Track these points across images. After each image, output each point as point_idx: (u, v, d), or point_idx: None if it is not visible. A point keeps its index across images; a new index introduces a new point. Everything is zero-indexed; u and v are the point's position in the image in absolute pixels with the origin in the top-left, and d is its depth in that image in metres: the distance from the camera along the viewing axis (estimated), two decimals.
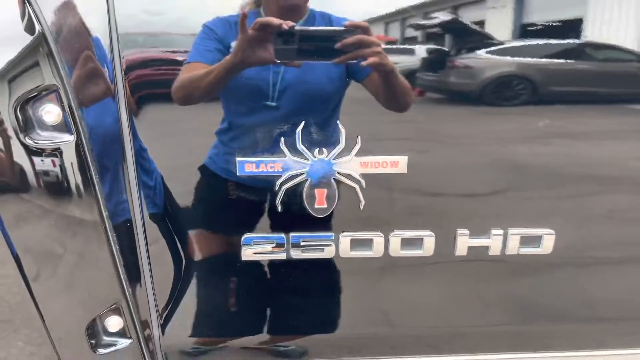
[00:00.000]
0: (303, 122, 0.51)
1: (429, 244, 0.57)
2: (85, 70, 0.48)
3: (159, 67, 0.51)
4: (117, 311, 0.55)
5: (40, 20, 0.47)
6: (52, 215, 0.51)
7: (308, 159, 0.52)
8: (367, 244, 0.57)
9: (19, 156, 0.49)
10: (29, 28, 0.48)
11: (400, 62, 0.52)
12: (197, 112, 0.52)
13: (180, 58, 0.50)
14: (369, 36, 0.50)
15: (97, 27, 0.48)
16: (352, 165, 0.53)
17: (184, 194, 0.55)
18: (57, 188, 0.50)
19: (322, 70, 0.53)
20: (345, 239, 0.56)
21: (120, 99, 0.49)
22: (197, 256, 0.57)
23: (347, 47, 0.50)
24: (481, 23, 0.52)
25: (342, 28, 0.50)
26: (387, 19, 0.52)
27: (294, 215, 0.54)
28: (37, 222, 0.51)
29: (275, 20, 0.49)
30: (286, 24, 0.49)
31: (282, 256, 0.56)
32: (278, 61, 0.50)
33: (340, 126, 0.52)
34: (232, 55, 0.50)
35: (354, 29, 0.50)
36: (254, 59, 0.50)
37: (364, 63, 0.50)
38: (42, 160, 0.49)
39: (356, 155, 0.53)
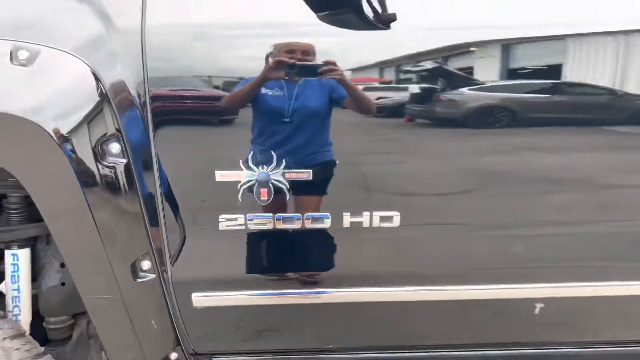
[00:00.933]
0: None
1: (328, 220, 0.99)
2: (129, 117, 0.90)
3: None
4: (147, 257, 0.97)
5: (104, 85, 0.88)
6: (114, 203, 0.92)
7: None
8: (292, 220, 0.99)
9: (97, 171, 0.91)
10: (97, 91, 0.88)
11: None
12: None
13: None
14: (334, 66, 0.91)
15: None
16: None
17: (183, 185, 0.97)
18: (116, 188, 0.92)
19: (317, 99, 0.94)
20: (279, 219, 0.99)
21: (150, 134, 0.91)
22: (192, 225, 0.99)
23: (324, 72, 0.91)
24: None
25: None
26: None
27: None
28: (107, 206, 0.93)
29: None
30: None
31: (243, 227, 0.98)
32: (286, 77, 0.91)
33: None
34: (259, 75, 0.92)
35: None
36: (272, 76, 0.91)
37: (327, 76, 0.91)
38: (109, 173, 0.91)
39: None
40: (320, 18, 0.91)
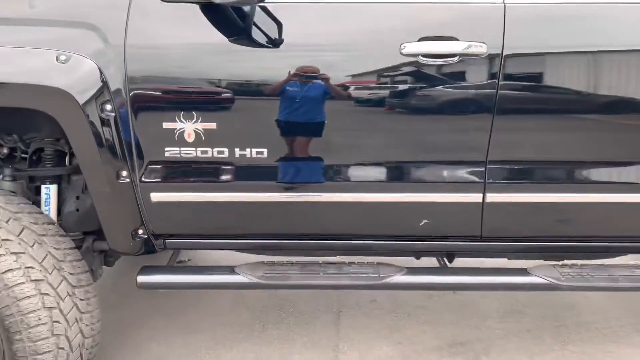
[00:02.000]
0: None
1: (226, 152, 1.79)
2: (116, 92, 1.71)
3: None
4: (124, 169, 1.77)
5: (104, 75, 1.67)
6: (106, 139, 1.73)
7: None
8: (206, 151, 1.79)
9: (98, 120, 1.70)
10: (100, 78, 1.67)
11: None
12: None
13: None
14: None
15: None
16: None
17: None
18: (108, 130, 1.72)
19: None
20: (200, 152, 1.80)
21: (128, 101, 1.70)
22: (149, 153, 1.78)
23: None
24: None
25: None
26: None
27: None
28: (103, 140, 1.72)
29: None
30: None
31: (178, 155, 1.77)
32: None
33: None
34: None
35: None
36: None
37: None
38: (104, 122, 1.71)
39: None
40: (232, 41, 1.72)
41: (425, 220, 1.90)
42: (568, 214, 1.89)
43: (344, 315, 2.88)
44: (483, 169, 1.80)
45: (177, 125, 1.73)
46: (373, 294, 3.07)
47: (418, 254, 2.13)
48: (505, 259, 2.17)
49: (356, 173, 1.85)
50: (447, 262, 2.15)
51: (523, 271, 1.98)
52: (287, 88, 1.76)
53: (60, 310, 1.76)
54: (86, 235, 2.18)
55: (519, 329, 2.77)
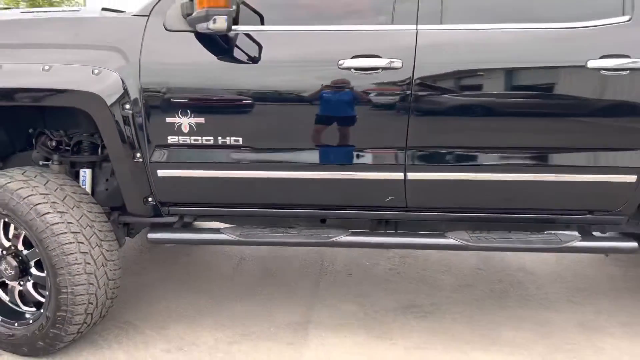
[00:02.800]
0: None
1: (211, 139, 2.43)
2: (133, 96, 2.37)
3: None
4: (138, 151, 2.42)
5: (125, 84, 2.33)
6: (126, 130, 2.39)
7: None
8: (198, 139, 2.44)
9: (120, 117, 2.37)
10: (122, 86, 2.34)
11: None
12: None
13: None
14: None
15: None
16: None
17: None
18: (127, 124, 2.38)
19: None
20: (193, 139, 2.45)
21: (141, 103, 2.36)
22: (156, 140, 2.44)
23: None
24: None
25: None
26: None
27: None
28: (124, 131, 2.39)
29: None
30: None
31: (177, 141, 2.42)
32: None
33: None
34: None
35: None
36: None
37: None
38: (124, 117, 2.38)
39: None
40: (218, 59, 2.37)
41: (391, 197, 2.49)
42: (473, 190, 2.46)
43: (322, 282, 3.49)
44: (403, 153, 2.39)
45: (176, 119, 2.38)
46: (342, 266, 3.67)
47: (364, 221, 2.71)
48: None
49: (311, 157, 2.46)
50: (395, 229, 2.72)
51: (441, 235, 2.56)
52: (259, 93, 2.40)
53: (91, 255, 2.42)
54: (113, 210, 2.85)
55: (468, 298, 3.32)
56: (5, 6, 40.28)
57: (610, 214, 2.49)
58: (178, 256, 3.88)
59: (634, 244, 2.51)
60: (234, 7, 2.14)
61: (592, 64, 2.27)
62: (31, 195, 2.36)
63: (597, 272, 3.72)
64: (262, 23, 2.48)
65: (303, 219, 2.71)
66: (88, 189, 2.78)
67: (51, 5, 39.15)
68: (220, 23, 2.09)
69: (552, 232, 2.58)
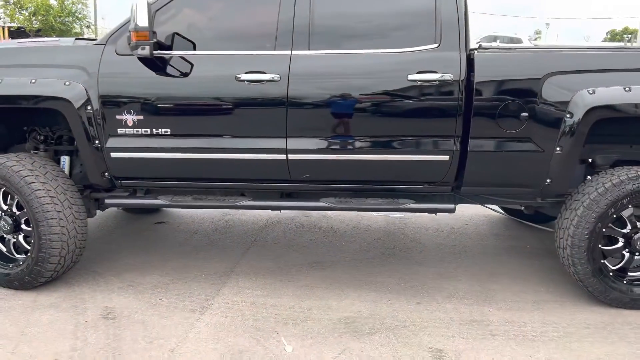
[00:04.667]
0: None
1: (148, 130, 3.44)
2: (93, 100, 3.39)
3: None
4: (96, 140, 3.44)
5: (88, 92, 3.36)
6: (87, 125, 3.40)
7: None
8: (148, 130, 3.45)
9: (85, 115, 3.40)
10: (85, 94, 3.38)
11: None
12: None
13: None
14: None
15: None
16: None
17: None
18: (89, 120, 3.40)
19: None
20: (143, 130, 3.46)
21: (98, 104, 3.37)
22: (109, 130, 3.45)
23: None
24: None
25: None
26: None
27: None
28: (87, 125, 3.42)
29: None
30: None
31: (125, 133, 3.43)
32: None
33: None
34: None
35: None
36: None
37: None
38: (87, 115, 3.41)
39: None
40: (157, 74, 3.38)
41: (307, 175, 3.46)
42: (337, 167, 3.43)
43: (252, 248, 4.46)
44: (284, 139, 3.37)
45: (123, 117, 3.39)
46: (275, 236, 4.65)
47: (270, 193, 3.69)
48: None
49: (221, 143, 3.44)
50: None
51: (317, 200, 3.54)
52: (181, 98, 3.40)
53: (64, 214, 3.42)
54: (86, 188, 3.85)
55: (362, 257, 4.27)
56: (20, 25, 41.31)
57: (436, 185, 3.45)
58: (142, 231, 4.88)
59: (452, 206, 3.48)
60: (155, 40, 3.15)
61: (411, 77, 3.25)
62: (21, 170, 3.37)
63: (476, 244, 4.66)
64: (195, 49, 3.48)
65: (223, 190, 3.69)
66: (67, 171, 3.79)
67: (63, 25, 40.20)
68: (145, 50, 3.11)
69: (396, 199, 3.55)
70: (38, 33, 40.11)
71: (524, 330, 3.13)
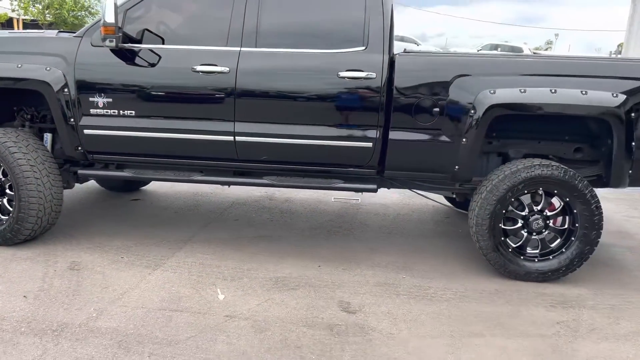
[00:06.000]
0: None
1: (115, 112, 4.01)
2: (71, 83, 3.97)
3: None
4: (71, 120, 4.01)
5: (66, 76, 3.95)
6: (65, 109, 3.99)
7: None
8: (116, 112, 4.02)
9: (62, 98, 3.98)
10: (64, 78, 3.96)
11: None
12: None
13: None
14: None
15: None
16: None
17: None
18: (67, 104, 3.99)
19: None
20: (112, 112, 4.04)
21: (73, 88, 3.96)
22: (82, 111, 4.03)
23: None
24: None
25: None
26: None
27: None
28: (65, 108, 3.99)
29: None
30: None
31: (93, 114, 4.00)
32: None
33: None
34: None
35: None
36: None
37: None
38: (64, 98, 3.99)
39: None
40: (127, 64, 3.96)
41: (265, 156, 4.02)
42: (277, 149, 3.98)
43: (213, 223, 5.02)
44: (232, 123, 3.93)
45: (95, 99, 3.96)
46: (237, 214, 5.21)
47: (224, 172, 4.25)
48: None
49: (178, 125, 4.00)
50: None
51: (260, 177, 4.10)
52: (145, 84, 3.97)
53: (42, 181, 3.99)
54: (65, 162, 4.43)
55: (310, 234, 4.81)
56: (33, 18, 42.10)
57: (363, 168, 4.00)
58: (118, 206, 5.46)
59: (374, 186, 4.02)
60: (120, 34, 3.72)
61: (341, 74, 3.80)
62: (6, 141, 3.95)
63: (414, 227, 5.19)
64: (163, 43, 4.05)
65: (184, 167, 4.26)
66: (49, 146, 4.37)
67: (75, 18, 40.92)
68: (112, 43, 3.68)
69: (329, 179, 4.10)
70: (51, 26, 41.07)
71: (426, 293, 3.66)
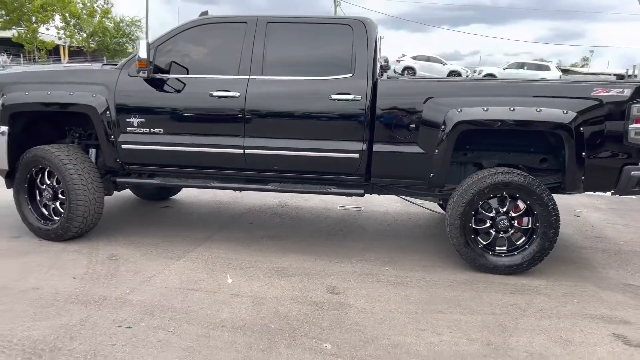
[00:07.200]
0: None
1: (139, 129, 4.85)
2: (112, 107, 4.84)
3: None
4: (112, 137, 4.87)
5: (109, 101, 4.82)
6: (106, 129, 4.85)
7: None
8: (145, 130, 4.87)
9: (104, 117, 4.85)
10: (106, 103, 4.84)
11: None
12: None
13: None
14: None
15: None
16: None
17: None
18: (108, 122, 4.85)
19: None
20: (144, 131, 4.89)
21: (113, 111, 4.83)
22: (121, 130, 4.88)
23: None
24: None
25: None
26: None
27: None
28: (106, 125, 4.86)
29: None
30: None
31: (132, 132, 4.85)
32: None
33: None
34: None
35: None
36: None
37: None
38: (105, 119, 4.85)
39: None
40: (157, 90, 4.82)
41: (275, 167, 4.81)
42: (280, 160, 4.74)
43: (231, 225, 5.80)
44: (242, 138, 4.72)
45: (130, 119, 4.81)
46: (252, 219, 5.98)
47: (238, 180, 5.03)
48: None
49: (201, 141, 4.82)
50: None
51: (266, 183, 4.86)
52: (172, 107, 4.81)
53: (87, 187, 4.85)
54: (107, 173, 5.30)
55: (313, 235, 5.53)
56: (79, 45, 44.53)
57: (353, 176, 4.72)
58: (150, 212, 6.30)
59: (361, 191, 4.73)
60: (151, 67, 4.57)
61: (333, 96, 4.55)
62: (60, 155, 4.84)
63: (407, 230, 5.85)
64: (188, 73, 4.90)
65: (203, 175, 5.06)
66: (93, 159, 5.24)
67: (117, 45, 43.03)
68: (144, 74, 4.54)
69: (325, 185, 4.82)
70: (94, 53, 43.43)
71: (402, 281, 4.32)
